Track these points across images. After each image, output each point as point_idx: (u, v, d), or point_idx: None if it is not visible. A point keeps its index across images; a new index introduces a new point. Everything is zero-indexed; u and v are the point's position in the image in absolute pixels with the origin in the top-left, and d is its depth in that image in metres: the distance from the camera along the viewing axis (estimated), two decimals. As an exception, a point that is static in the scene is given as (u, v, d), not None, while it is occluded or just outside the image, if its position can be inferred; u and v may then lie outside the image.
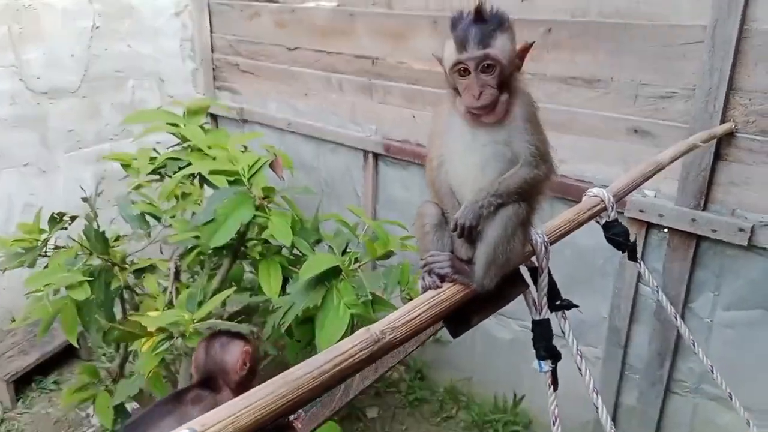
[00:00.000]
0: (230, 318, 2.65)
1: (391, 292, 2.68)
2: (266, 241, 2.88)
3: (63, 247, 2.75)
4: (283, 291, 2.63)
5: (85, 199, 2.72)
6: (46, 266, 2.66)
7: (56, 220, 2.71)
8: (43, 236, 2.69)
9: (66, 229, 2.75)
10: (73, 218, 2.74)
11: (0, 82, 3.66)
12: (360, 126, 3.76)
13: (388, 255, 2.72)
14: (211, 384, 1.76)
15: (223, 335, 1.85)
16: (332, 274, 2.51)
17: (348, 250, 2.71)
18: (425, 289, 1.14)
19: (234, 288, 2.59)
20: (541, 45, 2.84)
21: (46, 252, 2.71)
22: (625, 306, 2.87)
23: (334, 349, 0.98)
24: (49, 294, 2.49)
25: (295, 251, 2.84)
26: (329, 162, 4.03)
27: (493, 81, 1.12)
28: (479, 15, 1.13)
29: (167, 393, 2.69)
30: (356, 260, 2.66)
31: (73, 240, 2.67)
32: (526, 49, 1.16)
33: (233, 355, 1.77)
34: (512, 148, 1.14)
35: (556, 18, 2.80)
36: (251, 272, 3.11)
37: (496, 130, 1.14)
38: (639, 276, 2.80)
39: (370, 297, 2.39)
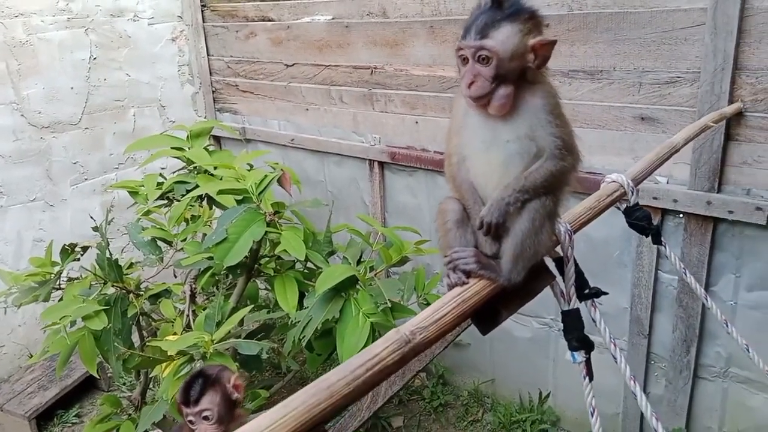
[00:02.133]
0: (249, 336, 2.63)
1: (408, 298, 2.66)
2: (279, 257, 2.86)
3: (76, 278, 2.74)
4: (300, 305, 2.61)
5: (95, 228, 2.71)
6: (61, 299, 2.65)
7: (68, 251, 2.70)
8: (56, 269, 2.67)
9: (78, 260, 2.74)
10: (84, 248, 2.73)
11: (1, 119, 3.67)
12: (363, 136, 3.76)
13: (403, 261, 2.70)
14: None
15: (200, 377, 1.83)
16: (349, 284, 2.49)
17: (362, 259, 2.69)
18: (451, 287, 1.12)
19: (251, 306, 2.57)
20: (540, 40, 2.83)
21: (60, 285, 2.70)
22: (646, 295, 2.84)
23: (366, 353, 0.95)
24: (66, 326, 2.47)
25: (309, 265, 2.83)
26: (335, 174, 4.03)
27: (489, 73, 1.07)
28: (496, 2, 1.08)
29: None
30: (371, 269, 2.64)
31: (87, 270, 2.65)
32: (544, 44, 1.09)
33: (228, 378, 1.86)
34: (536, 142, 1.11)
35: (553, 13, 2.79)
36: (266, 289, 3.09)
37: (517, 124, 1.11)
38: (658, 263, 2.78)
39: (389, 304, 2.37)
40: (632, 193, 1.45)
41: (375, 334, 2.39)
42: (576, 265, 1.24)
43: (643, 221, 1.47)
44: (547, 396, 3.41)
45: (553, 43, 1.09)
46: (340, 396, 0.89)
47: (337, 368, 0.93)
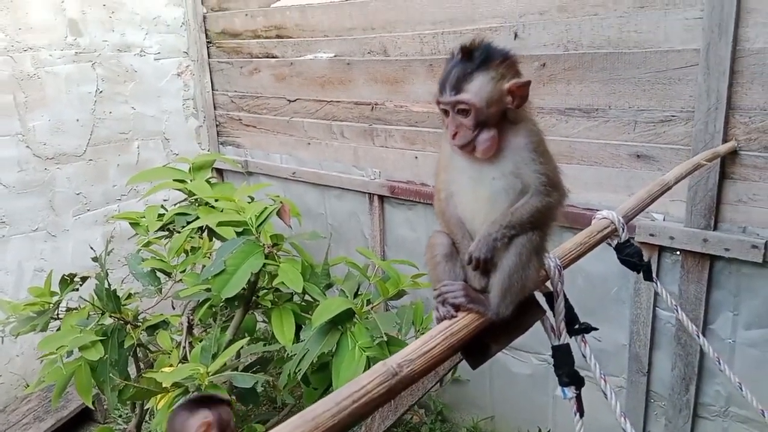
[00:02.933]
0: (246, 369, 2.62)
1: (406, 333, 2.66)
2: (277, 290, 2.87)
3: (75, 308, 2.74)
4: (297, 338, 2.61)
5: (95, 259, 2.73)
6: (59, 329, 2.65)
7: (67, 281, 2.72)
8: (55, 299, 2.68)
9: (77, 290, 2.75)
10: (84, 279, 2.75)
11: (7, 150, 3.72)
12: (363, 170, 3.80)
13: (400, 294, 2.70)
14: None
15: (186, 407, 1.73)
16: (345, 317, 2.49)
17: (360, 292, 2.70)
18: (440, 320, 1.13)
19: (247, 338, 2.57)
20: (536, 79, 2.89)
21: (58, 315, 2.70)
22: (644, 332, 2.83)
23: (352, 385, 0.96)
24: (63, 356, 2.47)
25: (306, 297, 2.83)
26: (335, 207, 4.05)
27: (469, 123, 1.12)
28: (466, 53, 1.13)
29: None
30: (369, 302, 2.64)
31: (85, 300, 2.67)
32: (520, 86, 1.12)
33: (191, 429, 1.67)
34: (521, 179, 1.14)
35: (549, 52, 2.85)
36: (264, 322, 3.09)
37: (502, 162, 1.14)
38: (656, 301, 2.77)
39: (385, 338, 2.36)
40: (623, 229, 1.47)
41: (370, 367, 2.38)
42: (566, 299, 1.25)
43: (634, 257, 1.48)
44: (546, 434, 3.37)
45: (527, 83, 1.13)
46: (325, 428, 0.90)
47: (322, 400, 0.93)
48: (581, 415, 1.25)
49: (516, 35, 2.91)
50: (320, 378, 2.69)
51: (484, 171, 1.15)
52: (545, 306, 1.26)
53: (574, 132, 2.85)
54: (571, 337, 1.26)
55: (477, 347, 1.18)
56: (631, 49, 2.62)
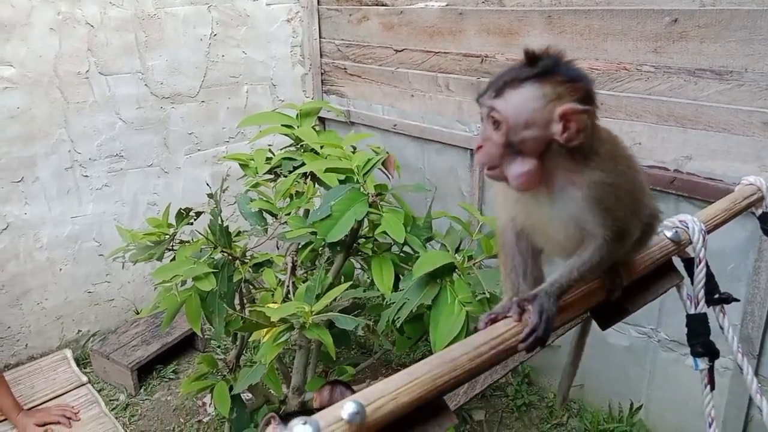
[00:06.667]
0: (341, 312, 2.69)
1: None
2: (375, 239, 2.90)
3: (187, 241, 2.88)
4: (394, 287, 2.64)
5: (210, 195, 2.84)
6: (173, 259, 2.80)
7: (183, 215, 2.85)
8: (171, 230, 2.83)
9: (191, 224, 2.89)
10: (198, 214, 2.87)
11: (127, 88, 3.90)
12: (467, 126, 3.73)
13: (502, 253, 2.66)
14: None
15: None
16: (446, 271, 2.49)
17: (461, 247, 2.68)
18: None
19: (349, 283, 2.62)
20: (666, 36, 2.72)
21: (172, 246, 2.85)
22: (760, 313, 2.66)
23: (490, 332, 0.96)
24: (178, 285, 2.61)
25: (405, 248, 2.84)
26: (434, 162, 4.02)
27: (498, 140, 0.90)
28: (530, 58, 0.91)
29: (280, 385, 2.79)
30: (470, 258, 2.62)
31: (199, 234, 2.79)
32: (575, 112, 0.86)
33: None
34: (582, 228, 0.96)
35: (683, 7, 2.65)
36: (362, 269, 3.14)
37: (558, 207, 0.95)
38: (777, 281, 2.60)
39: (487, 295, 2.34)
40: (771, 198, 1.36)
41: (469, 323, 2.38)
42: (707, 267, 1.18)
43: (781, 229, 1.38)
44: (639, 408, 3.28)
45: (585, 111, 0.88)
46: (463, 370, 0.90)
47: (459, 343, 0.94)
48: (712, 388, 1.20)
49: (648, -12, 2.73)
50: (414, 327, 2.72)
51: (541, 207, 0.97)
52: (683, 272, 1.20)
53: (703, 95, 2.67)
54: (708, 307, 1.20)
55: (609, 307, 1.15)
56: (779, 6, 2.40)
